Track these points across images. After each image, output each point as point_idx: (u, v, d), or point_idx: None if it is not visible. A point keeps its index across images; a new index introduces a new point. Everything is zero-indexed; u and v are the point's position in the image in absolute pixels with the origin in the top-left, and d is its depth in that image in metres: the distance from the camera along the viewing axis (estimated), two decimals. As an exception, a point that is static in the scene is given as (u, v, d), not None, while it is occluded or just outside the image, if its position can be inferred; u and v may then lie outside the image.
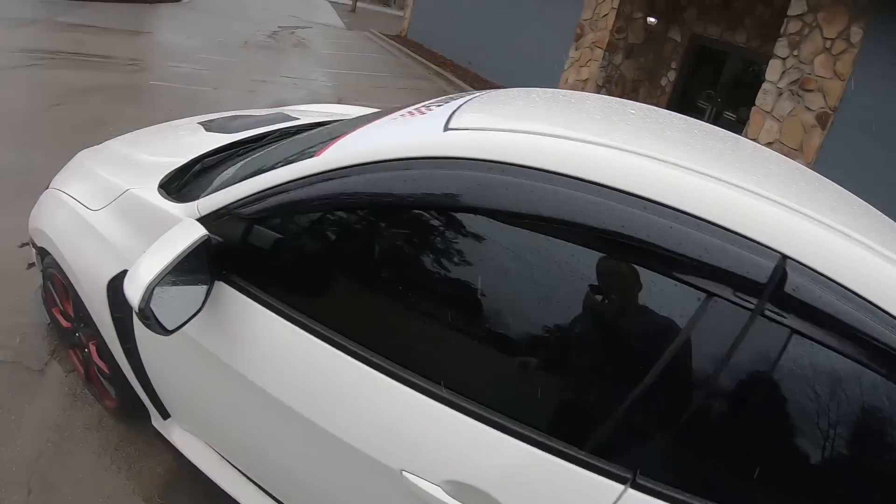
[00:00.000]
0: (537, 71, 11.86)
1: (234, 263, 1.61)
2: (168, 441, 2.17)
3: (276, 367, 1.53)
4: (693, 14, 10.37)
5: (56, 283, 2.54)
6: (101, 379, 2.50)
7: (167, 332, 1.46)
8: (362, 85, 11.13)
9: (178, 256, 1.43)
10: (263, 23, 18.41)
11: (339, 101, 8.81)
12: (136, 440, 2.53)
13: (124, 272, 1.73)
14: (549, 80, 11.40)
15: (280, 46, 14.53)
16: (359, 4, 32.63)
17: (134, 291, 1.38)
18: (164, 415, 2.15)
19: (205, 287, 1.56)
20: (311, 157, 1.54)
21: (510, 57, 12.94)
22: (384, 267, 1.49)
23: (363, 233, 1.52)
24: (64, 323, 2.67)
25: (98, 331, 2.16)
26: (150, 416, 2.27)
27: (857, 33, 6.69)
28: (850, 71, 6.76)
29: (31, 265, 3.30)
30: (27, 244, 3.16)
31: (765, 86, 7.82)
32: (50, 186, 2.58)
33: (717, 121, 10.01)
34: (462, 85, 12.53)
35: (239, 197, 1.61)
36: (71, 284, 2.24)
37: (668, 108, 10.44)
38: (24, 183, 4.38)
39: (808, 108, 7.30)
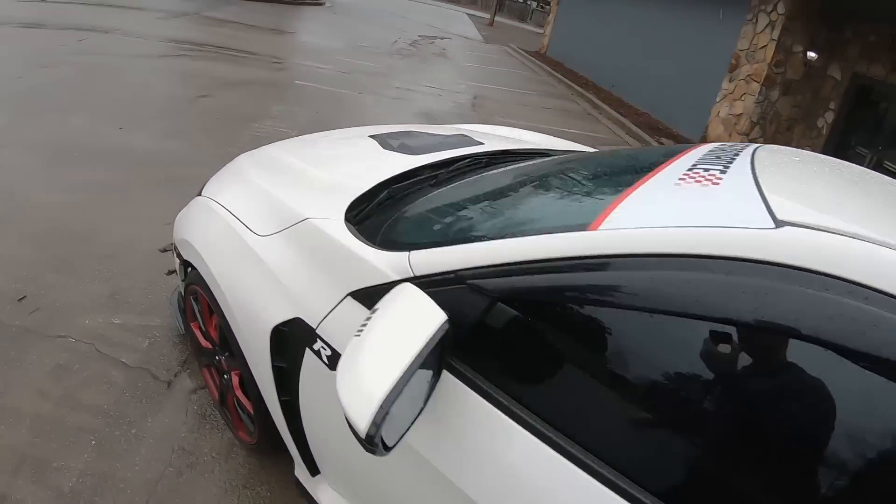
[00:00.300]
0: (686, 100, 11.52)
1: (458, 344, 1.27)
2: (311, 497, 1.86)
3: (492, 474, 1.19)
4: (856, 51, 9.65)
5: (200, 301, 2.25)
6: (239, 410, 2.22)
7: (387, 451, 1.11)
8: (506, 100, 11.41)
9: (417, 356, 1.10)
10: (404, 30, 19.07)
11: (486, 119, 8.97)
12: (269, 481, 2.21)
13: (296, 320, 1.52)
14: (698, 111, 11.03)
15: (421, 55, 14.93)
16: (497, 18, 32.95)
17: (359, 412, 1.04)
18: (314, 471, 1.86)
19: (429, 380, 1.23)
20: (582, 227, 1.20)
21: (657, 83, 12.76)
22: (682, 394, 1.10)
23: (652, 342, 1.13)
24: (203, 342, 2.38)
25: (249, 371, 1.88)
26: (293, 464, 1.97)
27: None
28: None
29: (172, 272, 3.09)
30: (168, 250, 3.02)
31: None
32: (202, 194, 2.31)
33: (877, 169, 9.20)
34: (607, 109, 12.51)
35: (477, 264, 1.27)
36: (220, 310, 1.96)
37: (823, 151, 9.73)
38: (167, 173, 4.51)
39: None
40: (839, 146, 9.88)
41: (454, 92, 10.91)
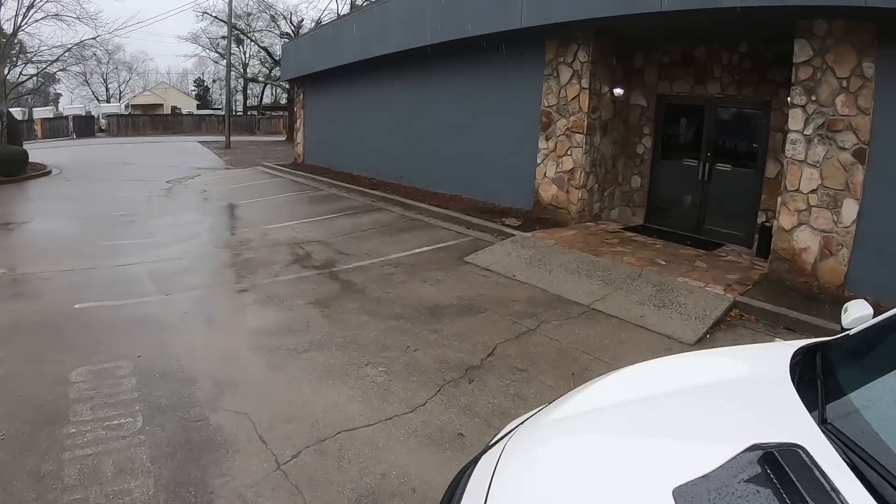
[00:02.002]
0: (500, 172, 10.99)
1: None
2: None
3: None
4: (653, 75, 9.95)
5: None
6: None
7: None
8: (328, 232, 9.64)
9: None
10: (148, 179, 16.64)
11: (327, 262, 7.38)
12: None
13: None
14: (519, 179, 10.54)
15: (189, 202, 12.91)
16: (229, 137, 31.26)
17: None
18: None
19: None
20: None
21: (458, 161, 12.02)
22: None
23: None
24: None
25: None
26: None
27: (869, 68, 6.64)
28: (872, 104, 6.64)
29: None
30: None
31: (791, 136, 7.35)
32: None
33: (712, 173, 9.50)
34: (417, 204, 11.44)
35: None
36: None
37: (652, 173, 9.88)
38: None
39: (843, 148, 6.93)
40: (666, 165, 10.09)
41: (267, 236, 8.99)
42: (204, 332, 5.51)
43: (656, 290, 6.60)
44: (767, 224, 8.70)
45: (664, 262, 7.69)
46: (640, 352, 5.21)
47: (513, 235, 8.68)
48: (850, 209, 7.01)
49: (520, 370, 4.76)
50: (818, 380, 1.90)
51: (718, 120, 9.50)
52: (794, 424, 1.63)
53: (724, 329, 5.96)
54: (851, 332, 2.27)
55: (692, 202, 9.82)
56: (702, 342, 5.60)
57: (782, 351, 2.19)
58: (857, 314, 2.41)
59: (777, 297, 6.60)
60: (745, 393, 1.99)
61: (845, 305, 2.59)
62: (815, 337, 5.42)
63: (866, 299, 6.39)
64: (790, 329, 5.96)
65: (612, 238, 8.95)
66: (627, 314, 6.06)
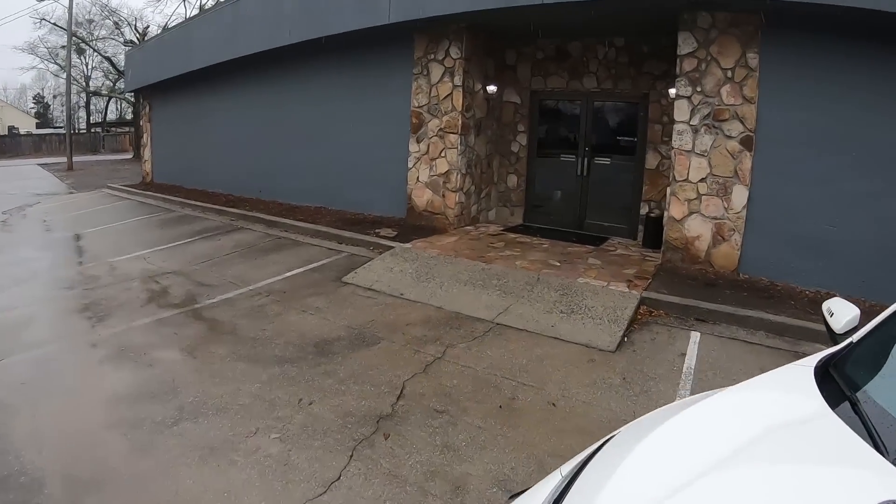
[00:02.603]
0: (369, 179, 10.09)
1: None
2: None
3: None
4: (527, 71, 9.55)
5: None
6: None
7: None
8: (185, 260, 8.14)
9: None
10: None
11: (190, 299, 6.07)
12: None
13: None
14: (390, 186, 9.73)
15: (28, 235, 10.86)
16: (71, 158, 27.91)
17: None
18: None
19: None
20: None
21: (323, 170, 10.92)
22: None
23: None
24: None
25: None
26: None
27: (753, 58, 6.69)
28: (756, 93, 6.71)
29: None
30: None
31: (677, 127, 7.19)
32: None
33: (591, 167, 9.25)
34: (281, 220, 10.17)
35: None
36: None
37: (529, 171, 9.46)
38: None
39: (730, 136, 6.92)
40: (544, 162, 9.73)
41: (112, 270, 7.38)
42: (49, 409, 4.01)
43: (560, 295, 6.02)
44: (652, 215, 8.52)
45: (558, 263, 7.17)
46: (563, 367, 4.60)
47: (391, 248, 7.81)
48: (740, 195, 6.95)
49: (439, 412, 3.91)
50: (857, 406, 1.75)
51: (596, 114, 9.29)
52: (876, 475, 1.50)
53: (638, 329, 5.52)
54: (853, 339, 2.15)
55: (573, 198, 9.52)
56: (622, 347, 5.10)
57: (800, 378, 1.99)
58: (846, 316, 2.33)
59: (679, 288, 6.38)
60: (803, 447, 1.71)
61: (826, 306, 2.48)
62: (731, 324, 5.51)
63: (761, 279, 6.40)
64: (701, 319, 5.72)
65: (497, 241, 8.35)
66: (537, 325, 5.40)
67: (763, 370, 2.20)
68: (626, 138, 9.08)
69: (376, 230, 8.83)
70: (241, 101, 12.86)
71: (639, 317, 5.77)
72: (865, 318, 2.25)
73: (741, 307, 5.79)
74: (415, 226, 9.16)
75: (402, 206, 9.57)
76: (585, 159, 9.25)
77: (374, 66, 9.81)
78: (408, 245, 7.86)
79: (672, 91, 7.96)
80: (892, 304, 2.14)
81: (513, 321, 5.50)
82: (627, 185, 9.11)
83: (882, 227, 6.22)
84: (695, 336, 5.35)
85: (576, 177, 9.38)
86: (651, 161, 8.70)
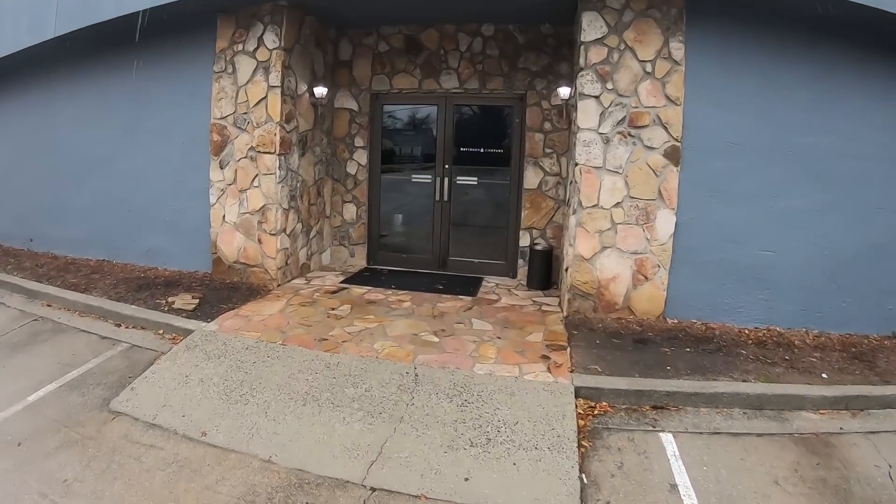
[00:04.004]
0: (162, 220, 7.09)
1: None
2: None
3: None
4: (366, 68, 7.27)
5: None
6: None
7: None
8: None
9: None
10: None
11: None
12: None
13: None
14: (189, 229, 6.93)
15: None
16: None
17: None
18: None
19: None
20: None
21: (105, 209, 7.55)
22: None
23: None
24: None
25: None
26: None
27: (678, 49, 5.21)
28: (682, 92, 5.22)
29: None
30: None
31: (582, 136, 5.46)
32: None
33: (453, 190, 7.23)
34: (46, 289, 6.55)
35: None
36: None
37: (371, 198, 7.31)
38: None
39: (651, 147, 5.31)
40: (392, 185, 7.55)
41: None
42: None
43: (459, 408, 3.86)
44: (538, 247, 6.71)
45: (435, 338, 5.01)
46: None
47: (190, 332, 5.11)
48: (665, 221, 5.35)
49: None
50: None
51: (458, 122, 7.27)
52: None
53: (590, 449, 3.60)
54: None
55: (431, 229, 7.43)
56: (587, 498, 3.06)
57: None
58: None
59: (610, 357, 4.64)
60: None
61: None
62: (698, 407, 4.02)
63: (693, 323, 5.30)
64: (660, 407, 4.05)
65: (340, 303, 5.98)
66: (442, 486, 3.16)
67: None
68: (498, 152, 7.16)
69: (170, 298, 6.00)
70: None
71: (580, 422, 3.77)
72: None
73: (697, 375, 4.34)
74: (225, 285, 6.47)
75: (207, 256, 6.83)
76: (446, 179, 7.19)
77: (164, 65, 6.84)
78: (212, 326, 5.20)
79: (562, 91, 6.17)
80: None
81: (398, 480, 3.17)
82: (501, 211, 7.25)
83: (827, 246, 5.20)
84: (668, 441, 3.66)
85: (433, 202, 7.28)
86: (531, 179, 6.84)
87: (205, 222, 6.80)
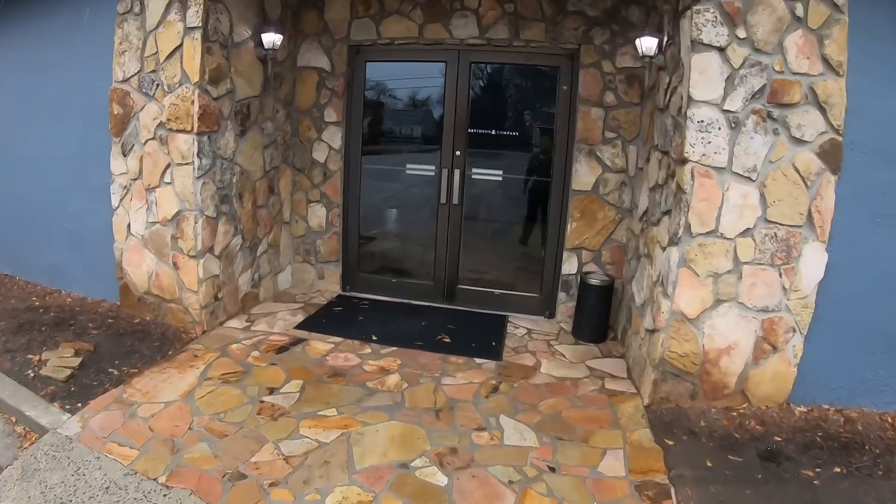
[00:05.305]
0: (58, 227, 4.97)
1: None
2: None
3: None
4: (344, 10, 5.05)
5: None
6: None
7: None
8: None
9: None
10: None
11: None
12: None
13: None
14: (89, 240, 4.83)
15: None
16: None
17: None
18: None
19: None
20: None
21: (8, 211, 5.42)
22: None
23: None
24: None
25: None
26: None
27: None
28: (846, 55, 3.15)
29: None
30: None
31: (696, 113, 3.31)
32: None
33: (465, 187, 5.13)
34: None
35: None
36: None
37: (347, 197, 5.27)
38: None
39: (800, 140, 3.25)
40: (370, 175, 5.37)
41: None
42: None
43: None
44: (591, 278, 4.67)
45: (443, 474, 2.93)
46: None
47: (44, 430, 3.01)
48: (813, 261, 3.36)
49: None
50: None
51: (474, 89, 5.03)
52: None
53: None
54: None
55: (433, 244, 5.32)
56: None
57: None
58: None
59: (732, 491, 2.75)
60: None
61: None
62: None
63: (827, 410, 3.50)
64: None
65: (285, 374, 3.83)
66: None
67: None
68: (533, 133, 5.05)
69: (46, 350, 3.90)
70: None
71: None
72: None
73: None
74: (132, 328, 4.36)
75: (113, 281, 4.69)
76: (456, 172, 5.04)
77: (61, 11, 4.67)
78: (73, 425, 3.06)
79: (645, 43, 3.91)
80: None
81: None
82: (536, 221, 5.15)
83: None
84: None
85: (438, 205, 5.12)
86: (584, 176, 4.70)
87: (107, 233, 4.67)
